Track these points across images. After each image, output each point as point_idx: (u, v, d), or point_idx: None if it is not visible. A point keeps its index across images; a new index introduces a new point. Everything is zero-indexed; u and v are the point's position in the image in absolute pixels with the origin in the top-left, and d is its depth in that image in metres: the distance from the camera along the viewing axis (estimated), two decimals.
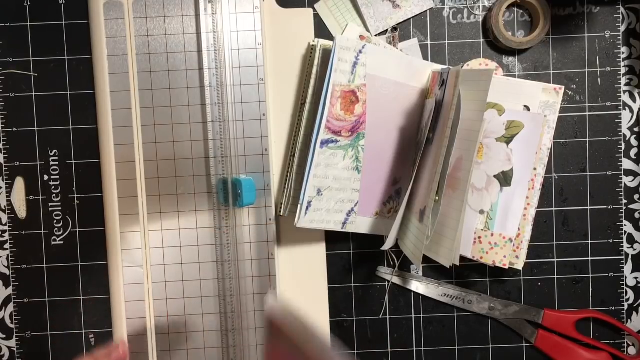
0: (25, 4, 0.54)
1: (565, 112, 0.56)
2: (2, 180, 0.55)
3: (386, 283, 0.57)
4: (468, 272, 0.57)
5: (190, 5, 0.53)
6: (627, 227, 0.57)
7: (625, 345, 0.57)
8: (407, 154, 0.54)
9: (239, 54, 0.53)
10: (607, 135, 0.56)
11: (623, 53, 0.55)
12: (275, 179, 0.55)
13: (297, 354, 0.30)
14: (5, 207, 0.55)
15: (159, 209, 0.54)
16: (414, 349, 0.57)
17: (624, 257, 0.57)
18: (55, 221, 0.55)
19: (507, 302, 0.56)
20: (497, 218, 0.53)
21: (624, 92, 0.56)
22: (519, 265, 0.54)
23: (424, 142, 0.50)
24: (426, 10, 0.55)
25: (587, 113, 0.56)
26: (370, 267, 0.57)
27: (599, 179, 0.56)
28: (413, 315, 0.57)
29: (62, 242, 0.55)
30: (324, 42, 0.52)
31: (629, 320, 0.57)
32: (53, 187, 0.55)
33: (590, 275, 0.57)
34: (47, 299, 0.56)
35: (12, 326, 0.56)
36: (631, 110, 0.56)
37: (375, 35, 0.55)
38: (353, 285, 0.57)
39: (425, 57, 0.55)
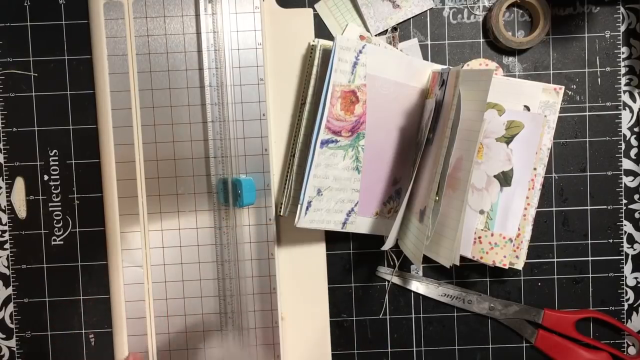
0: (25, 4, 0.54)
1: (565, 112, 0.56)
2: (2, 180, 0.55)
3: (386, 283, 0.57)
4: (468, 272, 0.57)
5: (190, 5, 0.53)
6: (627, 227, 0.57)
7: (625, 345, 0.57)
8: (407, 154, 0.54)
9: (239, 54, 0.53)
10: (607, 135, 0.56)
11: (623, 53, 0.55)
12: (275, 179, 0.55)
13: None
14: (5, 207, 0.55)
15: (159, 209, 0.54)
16: (414, 349, 0.57)
17: (624, 257, 0.57)
18: (55, 221, 0.55)
19: (507, 302, 0.56)
20: (497, 218, 0.53)
21: (624, 92, 0.56)
22: (519, 265, 0.54)
23: (424, 142, 0.50)
24: (426, 10, 0.55)
25: (587, 113, 0.56)
26: (370, 267, 0.57)
27: (599, 179, 0.56)
28: (413, 315, 0.57)
29: (62, 242, 0.55)
30: (324, 42, 0.52)
31: (629, 320, 0.57)
32: (53, 187, 0.55)
33: (590, 275, 0.57)
34: (47, 299, 0.56)
35: (12, 326, 0.56)
36: (631, 110, 0.56)
37: (375, 35, 0.55)
38: (353, 285, 0.57)
39: (425, 57, 0.55)
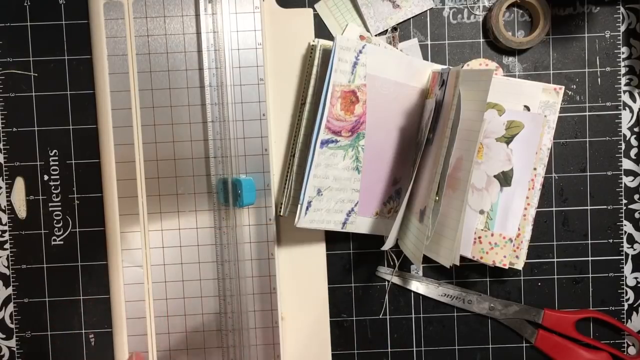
0: (25, 4, 0.54)
1: (565, 112, 0.56)
2: (2, 180, 0.55)
3: (386, 283, 0.57)
4: (468, 272, 0.57)
5: (190, 5, 0.53)
6: (627, 227, 0.57)
7: (625, 345, 0.57)
8: (407, 154, 0.54)
9: (239, 54, 0.53)
10: (607, 135, 0.56)
11: (623, 53, 0.55)
12: (275, 179, 0.55)
13: None
14: (5, 207, 0.55)
15: (159, 209, 0.54)
16: (414, 349, 0.57)
17: (624, 257, 0.57)
18: (55, 221, 0.55)
19: (507, 302, 0.56)
20: (497, 218, 0.53)
21: (624, 92, 0.56)
22: (519, 265, 0.54)
23: (424, 142, 0.50)
24: (426, 10, 0.55)
25: (587, 113, 0.56)
26: (370, 267, 0.57)
27: (599, 179, 0.56)
28: (413, 315, 0.57)
29: (62, 242, 0.55)
30: (324, 42, 0.52)
31: (629, 320, 0.57)
32: (53, 187, 0.55)
33: (590, 275, 0.57)
34: (47, 299, 0.56)
35: (12, 326, 0.56)
36: (631, 110, 0.56)
37: (375, 35, 0.55)
38: (353, 285, 0.57)
39: (425, 57, 0.55)
